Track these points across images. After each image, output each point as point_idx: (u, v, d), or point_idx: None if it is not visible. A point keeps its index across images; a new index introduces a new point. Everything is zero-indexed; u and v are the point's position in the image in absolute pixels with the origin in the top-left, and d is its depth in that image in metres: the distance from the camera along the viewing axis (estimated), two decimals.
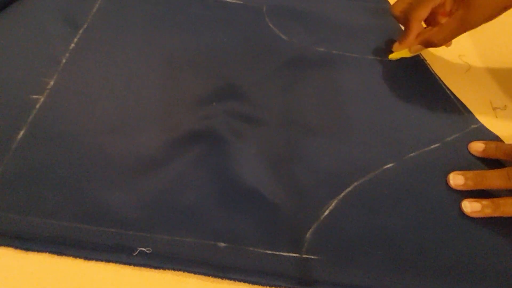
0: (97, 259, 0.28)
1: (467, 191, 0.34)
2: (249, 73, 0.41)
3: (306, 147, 0.36)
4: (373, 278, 0.29)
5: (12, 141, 0.33)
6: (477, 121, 0.40)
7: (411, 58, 0.45)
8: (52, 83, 0.37)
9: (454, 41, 0.49)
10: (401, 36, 0.43)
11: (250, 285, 0.28)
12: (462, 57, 0.47)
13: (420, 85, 0.43)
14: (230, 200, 0.32)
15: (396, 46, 0.44)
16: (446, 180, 0.34)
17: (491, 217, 0.32)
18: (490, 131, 0.39)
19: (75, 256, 0.28)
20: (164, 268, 0.28)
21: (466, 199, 0.33)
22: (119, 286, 0.27)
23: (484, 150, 0.36)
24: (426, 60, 0.45)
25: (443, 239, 0.31)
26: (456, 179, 0.34)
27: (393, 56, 0.44)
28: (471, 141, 0.37)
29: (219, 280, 0.28)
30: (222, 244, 0.30)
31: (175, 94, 0.39)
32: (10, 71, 0.38)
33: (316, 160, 0.35)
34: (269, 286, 0.28)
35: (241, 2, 0.49)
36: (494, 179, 0.33)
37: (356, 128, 0.38)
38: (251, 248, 0.30)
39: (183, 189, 0.32)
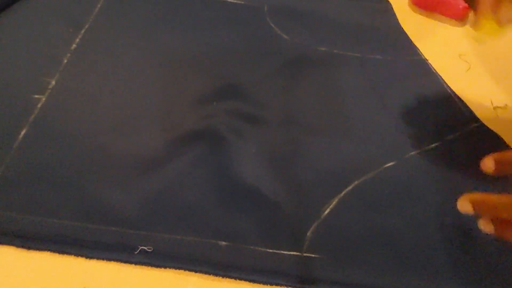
0: (98, 258, 0.28)
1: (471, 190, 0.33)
2: (250, 72, 0.41)
3: (306, 146, 0.36)
4: (374, 276, 0.29)
5: (13, 140, 0.33)
6: (477, 119, 0.40)
7: (411, 58, 0.45)
8: (53, 83, 0.38)
9: (455, 40, 0.49)
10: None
11: (251, 283, 0.28)
12: (463, 57, 0.47)
13: (421, 84, 0.43)
14: (231, 199, 0.32)
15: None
16: (447, 178, 0.34)
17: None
18: (490, 130, 0.39)
19: (77, 254, 0.28)
20: (165, 267, 0.28)
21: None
22: (120, 284, 0.28)
23: (496, 168, 0.29)
24: (427, 60, 0.45)
25: (443, 238, 0.31)
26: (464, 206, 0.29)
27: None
28: (471, 140, 0.37)
29: (220, 278, 0.28)
30: (223, 243, 0.30)
31: (176, 93, 0.39)
32: (12, 70, 0.38)
33: (317, 159, 0.35)
34: (270, 285, 0.28)
35: (243, 2, 0.49)
36: (506, 208, 0.27)
37: (356, 127, 0.38)
38: (251, 247, 0.30)
39: (184, 188, 0.32)
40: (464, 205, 0.29)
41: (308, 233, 0.31)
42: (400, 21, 0.50)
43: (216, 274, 0.28)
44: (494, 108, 0.42)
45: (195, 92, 0.39)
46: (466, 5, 0.50)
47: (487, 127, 0.39)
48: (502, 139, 0.38)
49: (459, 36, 0.50)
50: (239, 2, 0.49)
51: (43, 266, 0.28)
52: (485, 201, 0.29)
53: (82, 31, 0.43)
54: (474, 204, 0.29)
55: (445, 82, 0.43)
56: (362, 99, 0.40)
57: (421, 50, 0.46)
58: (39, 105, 0.36)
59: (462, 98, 0.41)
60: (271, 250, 0.30)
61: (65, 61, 0.40)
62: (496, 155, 0.30)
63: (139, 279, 0.28)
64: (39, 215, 0.29)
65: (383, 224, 0.32)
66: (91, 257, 0.28)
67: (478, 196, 0.29)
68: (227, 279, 0.28)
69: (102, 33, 0.43)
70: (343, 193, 0.33)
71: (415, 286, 0.29)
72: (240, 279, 0.28)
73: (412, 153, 0.36)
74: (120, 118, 0.36)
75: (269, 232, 0.30)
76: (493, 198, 0.29)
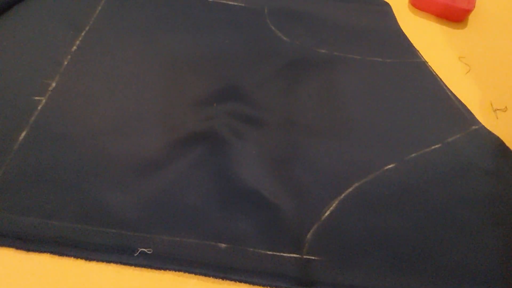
0: (98, 260, 0.28)
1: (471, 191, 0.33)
2: (250, 74, 0.41)
3: (307, 148, 0.36)
4: (374, 279, 0.29)
5: (14, 142, 0.33)
6: (478, 122, 0.40)
7: (411, 60, 0.45)
8: (54, 84, 0.38)
9: (455, 43, 0.49)
10: None
11: (251, 285, 0.28)
12: (462, 59, 0.47)
13: (421, 86, 0.43)
14: (231, 201, 0.32)
15: None
16: (448, 180, 0.34)
17: (492, 218, 0.32)
18: (490, 132, 0.39)
19: (76, 256, 0.28)
20: (165, 269, 0.28)
21: None
22: (120, 286, 0.27)
23: None
24: (427, 62, 0.45)
25: (444, 240, 0.31)
26: None
27: None
28: (472, 142, 0.37)
29: (220, 280, 0.28)
30: (223, 245, 0.30)
31: (176, 95, 0.39)
32: (12, 72, 0.38)
33: (317, 160, 0.35)
34: (270, 287, 0.28)
35: (243, 4, 0.49)
36: None
37: (357, 129, 0.38)
38: (251, 249, 0.30)
39: (184, 190, 0.32)
40: None
41: (308, 235, 0.31)
42: (399, 24, 0.50)
43: (216, 276, 0.28)
44: (494, 110, 0.42)
45: (195, 94, 0.39)
46: (466, 7, 0.50)
47: (487, 130, 0.39)
48: (503, 141, 0.38)
49: (459, 39, 0.50)
50: (239, 4, 0.49)
51: (42, 268, 0.28)
52: None
53: (83, 33, 0.43)
54: None
55: (444, 84, 0.43)
56: (362, 101, 0.40)
57: (420, 52, 0.46)
58: (39, 107, 0.36)
59: (462, 101, 0.41)
60: (271, 252, 0.30)
61: (66, 63, 0.40)
62: None
63: (138, 281, 0.28)
64: (39, 217, 0.29)
65: (383, 226, 0.32)
66: (90, 259, 0.28)
67: None
68: (227, 281, 0.28)
69: (103, 35, 0.43)
70: (343, 195, 0.33)
71: None
72: (240, 281, 0.28)
73: (413, 155, 0.36)
74: (121, 120, 0.36)
75: (269, 234, 0.30)
76: None
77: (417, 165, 0.35)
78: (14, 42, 0.40)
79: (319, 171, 0.34)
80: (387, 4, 0.52)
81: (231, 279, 0.28)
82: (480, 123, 0.40)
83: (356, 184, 0.34)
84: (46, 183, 0.31)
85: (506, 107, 0.42)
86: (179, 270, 0.28)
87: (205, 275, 0.28)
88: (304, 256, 0.30)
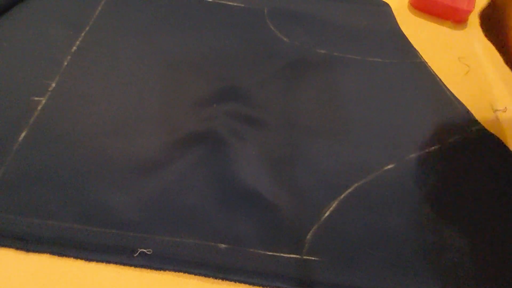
0: (97, 260, 0.28)
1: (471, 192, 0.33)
2: (250, 75, 0.41)
3: (306, 148, 0.36)
4: (374, 279, 0.29)
5: (13, 142, 0.33)
6: (477, 123, 0.40)
7: (411, 61, 0.45)
8: (53, 85, 0.38)
9: (454, 43, 0.49)
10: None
11: (251, 286, 0.28)
12: (462, 59, 0.47)
13: (421, 86, 0.43)
14: (231, 202, 0.32)
15: None
16: (447, 181, 0.34)
17: (491, 219, 0.32)
18: (490, 133, 0.39)
19: (76, 257, 0.28)
20: (164, 269, 0.28)
21: None
22: (120, 287, 0.27)
23: None
24: (426, 62, 0.45)
25: (444, 240, 0.31)
26: None
27: None
28: (472, 143, 0.37)
29: (220, 281, 0.28)
30: (223, 246, 0.30)
31: (176, 96, 0.39)
32: (12, 73, 0.38)
33: (317, 161, 0.35)
34: (269, 287, 0.28)
35: (242, 5, 0.49)
36: None
37: (356, 130, 0.38)
38: (251, 250, 0.30)
39: (184, 190, 0.32)
40: None
41: (308, 236, 0.31)
42: (399, 24, 0.50)
43: (215, 277, 0.28)
44: (494, 111, 0.42)
45: (195, 94, 0.39)
46: (466, 8, 0.50)
47: (487, 130, 0.39)
48: (503, 142, 0.38)
49: (459, 39, 0.50)
50: (239, 5, 0.49)
51: (42, 268, 0.28)
52: None
53: (83, 34, 0.43)
54: None
55: (444, 84, 0.43)
56: (362, 101, 0.40)
57: (420, 53, 0.46)
58: (39, 107, 0.36)
59: (462, 101, 0.41)
60: (270, 253, 0.30)
61: (66, 63, 0.40)
62: None
63: (138, 281, 0.28)
64: (39, 217, 0.29)
65: (383, 227, 0.32)
66: (90, 260, 0.28)
67: None
68: (227, 282, 0.28)
69: (103, 36, 0.43)
70: (343, 195, 0.33)
71: None
72: (240, 282, 0.28)
73: (412, 155, 0.36)
74: (121, 120, 0.36)
75: (269, 235, 0.30)
76: None
77: (416, 165, 0.35)
78: (14, 43, 0.40)
79: (319, 172, 0.34)
80: (387, 5, 0.53)
81: (231, 280, 0.28)
82: (480, 123, 0.40)
83: (356, 185, 0.34)
84: (46, 183, 0.31)
85: (506, 107, 0.42)
86: (179, 271, 0.28)
87: (205, 275, 0.28)
88: (304, 257, 0.30)
